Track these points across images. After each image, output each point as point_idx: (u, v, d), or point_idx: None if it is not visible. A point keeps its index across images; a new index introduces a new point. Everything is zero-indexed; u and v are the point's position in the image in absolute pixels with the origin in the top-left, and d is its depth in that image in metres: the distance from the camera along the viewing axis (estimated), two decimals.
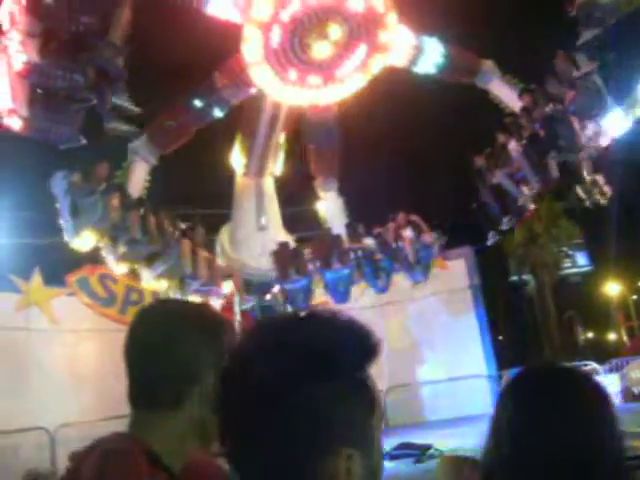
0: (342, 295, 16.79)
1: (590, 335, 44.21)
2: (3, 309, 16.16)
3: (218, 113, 16.53)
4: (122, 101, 12.85)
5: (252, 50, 15.29)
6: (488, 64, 17.50)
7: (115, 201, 13.80)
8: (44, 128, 12.73)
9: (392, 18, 15.62)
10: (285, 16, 15.07)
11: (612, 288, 40.67)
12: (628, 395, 18.88)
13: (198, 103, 16.21)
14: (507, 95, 17.15)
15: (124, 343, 1.61)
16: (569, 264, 46.93)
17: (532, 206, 16.48)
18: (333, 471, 0.94)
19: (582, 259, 47.67)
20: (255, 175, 18.16)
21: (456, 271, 19.21)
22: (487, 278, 21.17)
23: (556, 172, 14.96)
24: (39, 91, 12.27)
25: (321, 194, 19.42)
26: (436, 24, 17.62)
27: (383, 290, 17.21)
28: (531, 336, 37.21)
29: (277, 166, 18.62)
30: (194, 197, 17.90)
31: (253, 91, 16.39)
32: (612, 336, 42.74)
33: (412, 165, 29.02)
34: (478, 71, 17.45)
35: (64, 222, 13.75)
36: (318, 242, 17.07)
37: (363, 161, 23.84)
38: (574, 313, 38.61)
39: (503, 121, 16.02)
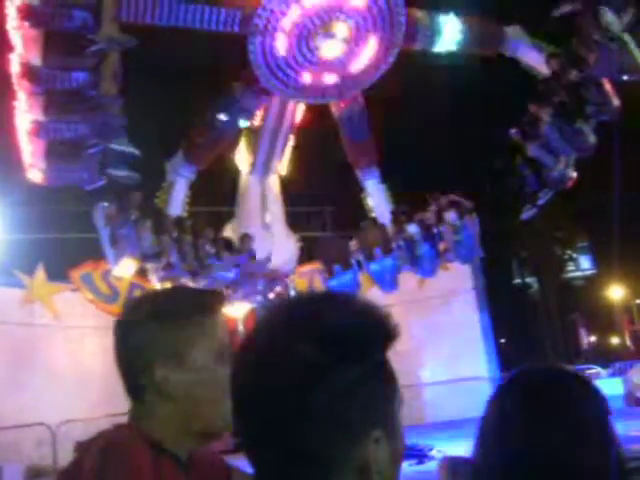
0: (390, 284, 16.80)
1: (593, 339, 44.13)
2: (7, 304, 16.19)
3: (243, 123, 16.78)
4: (122, 146, 13.12)
5: (259, 61, 15.42)
6: (513, 31, 17.02)
7: (147, 229, 14.06)
8: (63, 176, 13.56)
9: (398, 6, 15.61)
10: (286, 23, 15.16)
11: (616, 292, 40.57)
12: (631, 399, 18.84)
13: (222, 117, 16.38)
14: (537, 61, 16.61)
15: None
16: (573, 267, 46.86)
17: (574, 174, 15.70)
18: (364, 456, 0.93)
19: (586, 262, 47.59)
20: (260, 174, 18.18)
21: (460, 273, 19.14)
22: (491, 280, 21.09)
23: (593, 138, 14.72)
24: (54, 144, 12.90)
25: (363, 183, 19.40)
26: None
27: (430, 274, 17.13)
28: (534, 339, 37.18)
29: (282, 165, 18.63)
30: (198, 194, 17.90)
31: (274, 97, 16.48)
32: (615, 340, 42.65)
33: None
34: (503, 39, 17.00)
35: (106, 251, 14.34)
36: (363, 235, 17.06)
37: (402, 143, 23.82)
38: (577, 316, 38.57)
39: (535, 89, 15.62)
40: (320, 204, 25.57)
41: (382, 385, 0.98)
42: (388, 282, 16.83)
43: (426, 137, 27.04)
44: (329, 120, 17.99)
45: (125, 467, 1.42)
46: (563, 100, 14.51)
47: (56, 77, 12.60)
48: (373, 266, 16.77)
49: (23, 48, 12.40)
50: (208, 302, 1.61)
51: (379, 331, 0.98)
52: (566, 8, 14.54)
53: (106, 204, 13.74)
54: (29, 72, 12.42)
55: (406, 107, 21.53)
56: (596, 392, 1.48)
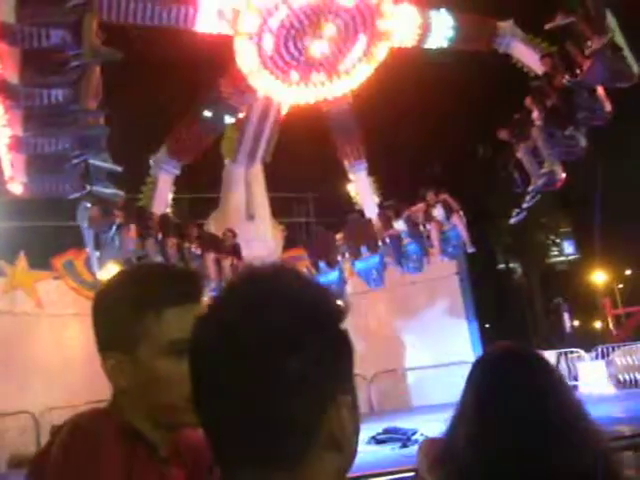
0: (376, 281, 16.76)
1: (577, 323, 44.43)
2: None
3: (229, 120, 16.72)
4: (104, 162, 12.90)
5: (247, 60, 15.33)
6: (506, 26, 16.98)
7: (132, 233, 13.91)
8: (44, 188, 13.33)
9: (387, 5, 15.52)
10: (274, 23, 15.08)
11: (599, 276, 40.86)
12: (613, 382, 19.00)
13: (207, 113, 16.28)
14: (529, 58, 16.57)
15: None
16: (556, 252, 47.11)
17: (562, 176, 15.14)
18: (334, 423, 0.94)
19: (569, 247, 47.85)
20: (245, 164, 18.11)
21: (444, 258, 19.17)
22: (475, 265, 21.13)
23: (583, 141, 14.50)
24: (34, 157, 12.76)
25: (351, 176, 19.38)
26: None
27: (417, 271, 17.08)
28: (518, 324, 37.38)
29: (267, 155, 18.55)
30: (181, 181, 17.79)
31: (260, 95, 16.36)
32: (598, 324, 42.99)
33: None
34: (496, 35, 16.96)
35: (89, 254, 14.21)
36: (350, 230, 16.93)
37: (390, 137, 23.79)
38: (561, 301, 38.78)
39: (529, 85, 15.35)
40: (303, 190, 25.52)
41: (348, 352, 1.00)
42: (374, 279, 16.81)
43: (413, 127, 26.97)
44: (314, 106, 17.93)
45: (90, 449, 1.38)
46: (555, 104, 14.28)
47: (35, 94, 12.35)
48: (359, 264, 16.72)
49: (0, 63, 12.10)
50: (167, 293, 1.50)
51: (338, 303, 1.00)
52: (560, 21, 14.29)
53: (89, 204, 13.52)
54: (6, 89, 12.14)
55: (393, 101, 21.44)
56: (548, 364, 1.68)
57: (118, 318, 1.50)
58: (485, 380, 1.62)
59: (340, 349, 0.98)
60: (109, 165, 13.03)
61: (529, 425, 1.49)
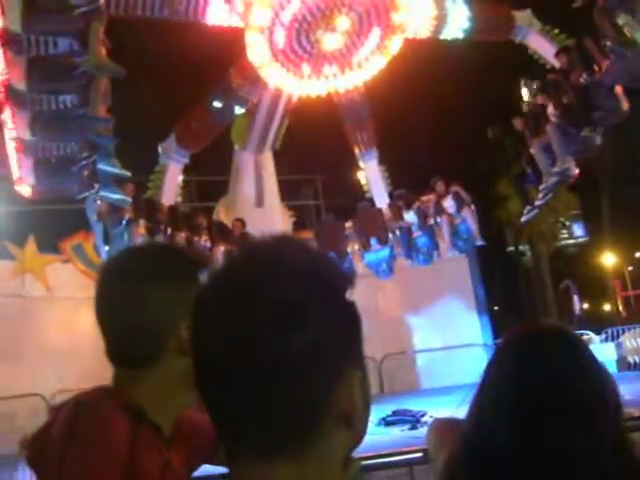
0: (386, 272, 16.75)
1: (586, 305, 44.35)
2: None
3: (239, 110, 16.68)
4: (112, 167, 12.79)
5: (258, 54, 15.19)
6: (523, 16, 16.71)
7: (141, 229, 13.92)
8: (52, 190, 13.27)
9: None
10: (286, 17, 14.86)
11: (608, 259, 40.73)
12: (623, 364, 18.97)
13: (218, 104, 16.20)
14: (546, 49, 16.29)
15: (94, 296, 1.54)
16: (566, 235, 46.94)
17: (575, 171, 14.67)
18: (346, 400, 0.91)
19: (579, 230, 47.66)
20: (254, 151, 18.07)
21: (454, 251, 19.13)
22: (484, 248, 21.09)
23: (599, 139, 14.15)
24: (42, 160, 12.64)
25: (361, 164, 19.30)
26: None
27: (426, 262, 17.04)
28: (527, 306, 37.36)
29: (277, 142, 18.50)
30: (190, 164, 17.76)
31: (271, 87, 16.26)
32: (608, 306, 42.90)
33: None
34: (512, 26, 16.69)
35: (99, 247, 14.27)
36: (360, 220, 16.83)
37: (402, 126, 23.75)
38: (570, 283, 38.70)
39: (544, 78, 14.96)
40: (312, 172, 25.50)
41: (355, 325, 0.97)
42: (384, 271, 16.80)
43: (422, 116, 26.88)
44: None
45: (94, 423, 1.36)
46: (571, 102, 13.90)
47: (42, 100, 12.25)
48: (369, 256, 16.68)
49: (6, 69, 11.97)
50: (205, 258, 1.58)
51: (344, 273, 0.98)
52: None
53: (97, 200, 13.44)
54: (13, 95, 12.04)
55: (404, 89, 21.32)
56: (587, 345, 1.54)
57: (184, 283, 1.49)
58: (532, 361, 1.46)
59: (347, 322, 0.95)
60: (118, 170, 12.94)
61: (578, 412, 1.39)
